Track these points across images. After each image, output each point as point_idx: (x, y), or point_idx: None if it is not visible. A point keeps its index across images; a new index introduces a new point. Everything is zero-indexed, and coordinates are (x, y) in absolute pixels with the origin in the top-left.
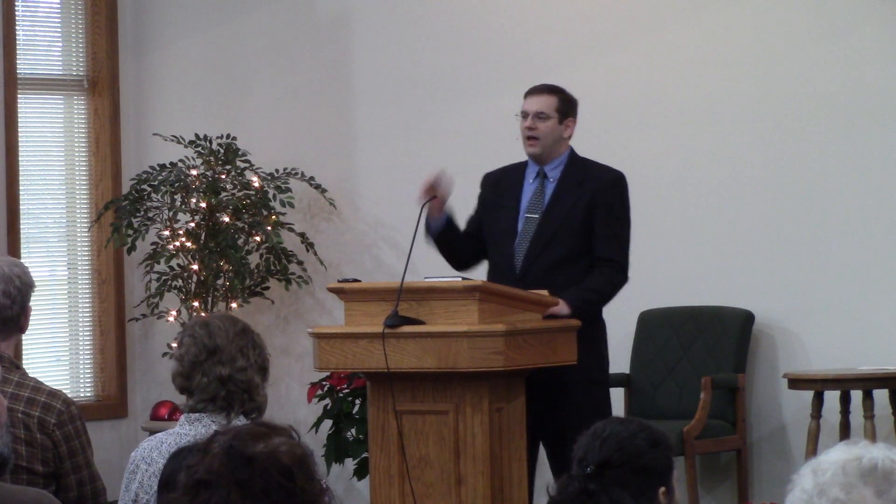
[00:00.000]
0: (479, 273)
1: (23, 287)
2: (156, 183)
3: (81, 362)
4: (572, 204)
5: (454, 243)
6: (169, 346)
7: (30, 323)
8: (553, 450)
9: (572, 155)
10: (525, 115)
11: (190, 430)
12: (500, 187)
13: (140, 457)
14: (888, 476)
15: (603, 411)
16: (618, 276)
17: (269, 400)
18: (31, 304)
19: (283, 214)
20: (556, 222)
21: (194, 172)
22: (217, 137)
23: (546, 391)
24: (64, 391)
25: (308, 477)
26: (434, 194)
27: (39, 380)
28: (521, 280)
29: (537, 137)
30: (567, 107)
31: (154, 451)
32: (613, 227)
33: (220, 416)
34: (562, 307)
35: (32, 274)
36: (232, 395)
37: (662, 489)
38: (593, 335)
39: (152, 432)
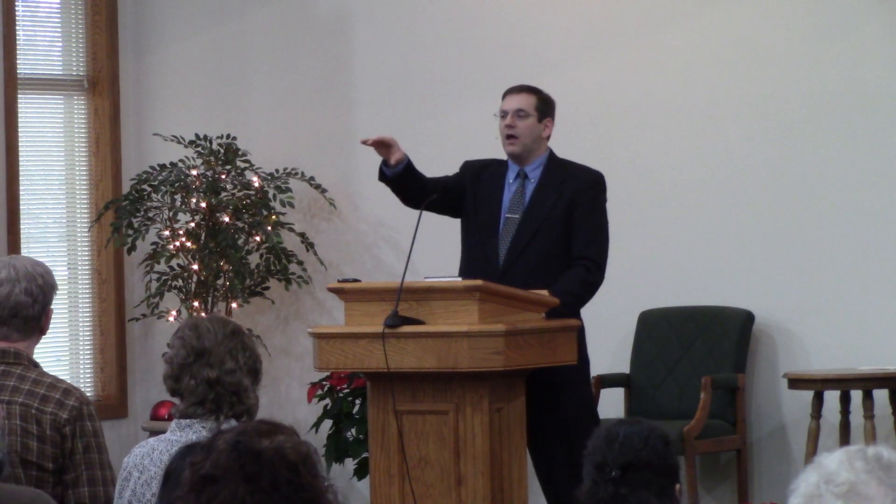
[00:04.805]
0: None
1: (45, 286)
2: (156, 183)
3: (81, 362)
4: (553, 203)
5: (409, 183)
6: (168, 346)
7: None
8: (538, 452)
9: (551, 155)
10: (504, 113)
11: (181, 436)
12: (480, 179)
13: (132, 464)
14: (892, 467)
15: (587, 410)
16: (593, 275)
17: (269, 400)
18: (52, 306)
19: (283, 214)
20: (536, 222)
21: (194, 172)
22: (217, 137)
23: (528, 393)
24: (84, 392)
25: (313, 473)
26: (387, 153)
27: (60, 378)
28: (503, 277)
29: (517, 136)
30: (545, 106)
31: (146, 457)
32: (592, 226)
33: (209, 420)
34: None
35: None
36: (220, 397)
37: (678, 486)
38: None
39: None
